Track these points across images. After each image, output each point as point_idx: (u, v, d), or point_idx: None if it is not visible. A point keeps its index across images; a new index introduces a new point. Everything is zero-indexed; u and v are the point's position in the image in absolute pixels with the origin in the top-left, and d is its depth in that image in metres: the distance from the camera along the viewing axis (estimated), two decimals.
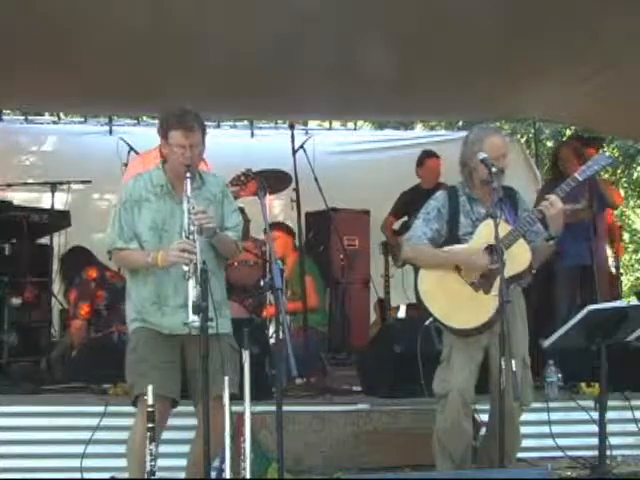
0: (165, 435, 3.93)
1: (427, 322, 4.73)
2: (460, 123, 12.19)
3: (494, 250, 4.00)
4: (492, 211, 3.97)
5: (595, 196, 6.30)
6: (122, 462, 4.01)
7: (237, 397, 3.65)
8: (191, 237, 3.72)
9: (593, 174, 4.21)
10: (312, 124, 10.58)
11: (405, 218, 7.09)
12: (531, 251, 4.14)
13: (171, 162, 3.92)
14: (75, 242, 6.89)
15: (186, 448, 4.09)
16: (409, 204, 6.77)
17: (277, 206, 8.54)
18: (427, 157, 7.27)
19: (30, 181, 7.59)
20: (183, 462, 4.09)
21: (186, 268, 3.67)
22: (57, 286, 6.86)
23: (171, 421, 4.04)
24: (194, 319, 3.58)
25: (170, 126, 3.87)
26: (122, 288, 4.35)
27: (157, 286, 3.90)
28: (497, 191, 4.06)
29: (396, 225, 7.41)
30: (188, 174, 3.81)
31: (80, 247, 6.88)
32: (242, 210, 7.07)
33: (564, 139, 10.41)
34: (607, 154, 4.31)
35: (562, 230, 4.15)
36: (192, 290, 3.62)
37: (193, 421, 3.99)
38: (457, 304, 4.14)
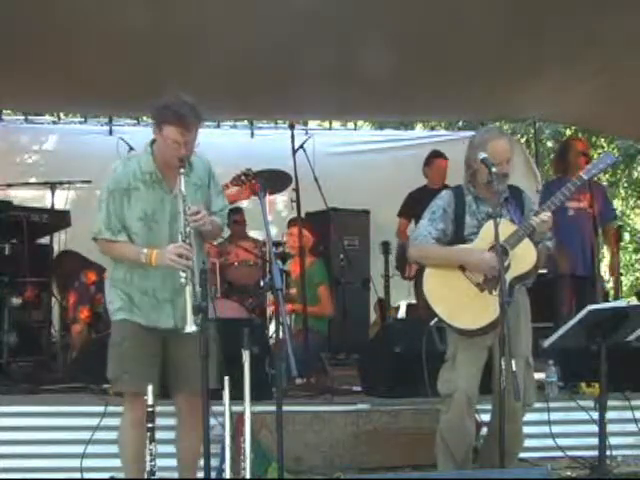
0: (164, 435, 3.93)
1: (432, 322, 4.72)
2: (460, 123, 12.20)
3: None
4: (493, 212, 3.97)
5: (603, 203, 6.33)
6: None
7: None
8: (187, 240, 3.66)
9: (599, 173, 4.22)
10: (312, 124, 10.59)
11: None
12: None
13: (163, 152, 3.78)
14: (75, 242, 6.88)
15: None
16: (417, 204, 6.71)
17: (279, 203, 8.57)
18: (435, 157, 7.22)
19: (30, 181, 7.60)
20: None
21: (183, 274, 3.62)
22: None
23: (170, 421, 4.04)
24: (193, 329, 3.55)
25: (166, 120, 3.70)
26: None
27: (145, 277, 3.83)
28: (499, 192, 4.06)
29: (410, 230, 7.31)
30: (182, 170, 3.71)
31: (69, 252, 6.88)
32: (240, 210, 7.13)
33: (564, 139, 10.40)
34: (612, 153, 4.32)
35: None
36: (190, 298, 3.57)
37: None
38: (462, 304, 4.12)
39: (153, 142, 3.85)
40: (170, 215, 3.79)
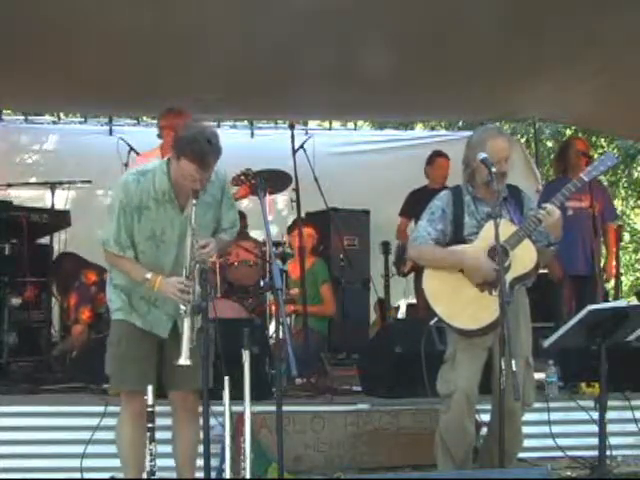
0: (164, 435, 3.94)
1: (432, 322, 4.72)
2: (460, 123, 12.20)
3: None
4: (492, 212, 3.96)
5: (604, 203, 6.33)
6: None
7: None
8: (191, 276, 3.69)
9: (599, 174, 4.21)
10: (312, 124, 10.59)
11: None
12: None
13: (177, 176, 3.74)
14: (75, 242, 6.89)
15: None
16: (418, 203, 6.69)
17: (279, 203, 8.57)
18: (438, 156, 7.23)
19: (30, 181, 7.60)
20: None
21: (183, 307, 3.67)
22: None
23: (169, 421, 4.04)
24: (187, 363, 3.59)
25: (186, 154, 3.64)
26: None
27: (147, 287, 3.84)
28: (499, 192, 4.05)
29: (409, 230, 7.30)
30: (194, 201, 3.70)
31: (68, 253, 6.87)
32: (242, 216, 7.12)
33: (564, 139, 10.42)
34: (613, 154, 4.29)
35: (562, 235, 4.16)
36: (187, 330, 3.62)
37: None
38: (462, 304, 4.11)
39: (169, 160, 3.82)
40: (179, 236, 3.80)
